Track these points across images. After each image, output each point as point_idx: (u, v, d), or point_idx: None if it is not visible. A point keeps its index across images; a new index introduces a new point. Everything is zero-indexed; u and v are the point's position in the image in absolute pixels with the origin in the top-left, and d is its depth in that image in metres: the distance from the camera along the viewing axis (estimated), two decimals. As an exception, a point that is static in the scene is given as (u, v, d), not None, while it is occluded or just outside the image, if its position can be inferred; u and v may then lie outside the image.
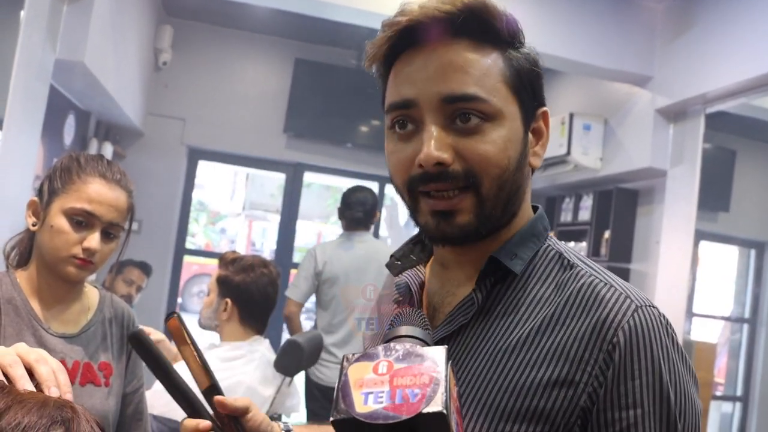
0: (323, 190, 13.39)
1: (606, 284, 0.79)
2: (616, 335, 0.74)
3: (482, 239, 0.83)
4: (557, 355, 0.76)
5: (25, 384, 0.77)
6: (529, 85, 0.83)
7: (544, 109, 0.87)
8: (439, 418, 0.63)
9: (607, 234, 4.17)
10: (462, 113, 0.78)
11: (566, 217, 4.72)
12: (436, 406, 0.63)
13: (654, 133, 3.74)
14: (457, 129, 0.79)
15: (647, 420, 0.72)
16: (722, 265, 4.83)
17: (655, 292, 3.72)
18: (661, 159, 3.73)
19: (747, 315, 4.61)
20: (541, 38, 3.54)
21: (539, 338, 0.77)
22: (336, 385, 0.68)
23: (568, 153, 4.13)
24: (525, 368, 0.77)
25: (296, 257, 5.46)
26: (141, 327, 1.64)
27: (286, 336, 4.05)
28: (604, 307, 0.76)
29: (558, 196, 4.90)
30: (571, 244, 4.57)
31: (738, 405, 4.56)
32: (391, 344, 0.70)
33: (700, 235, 3.75)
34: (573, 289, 0.79)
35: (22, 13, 2.55)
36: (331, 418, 0.65)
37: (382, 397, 0.65)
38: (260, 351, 2.14)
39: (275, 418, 2.43)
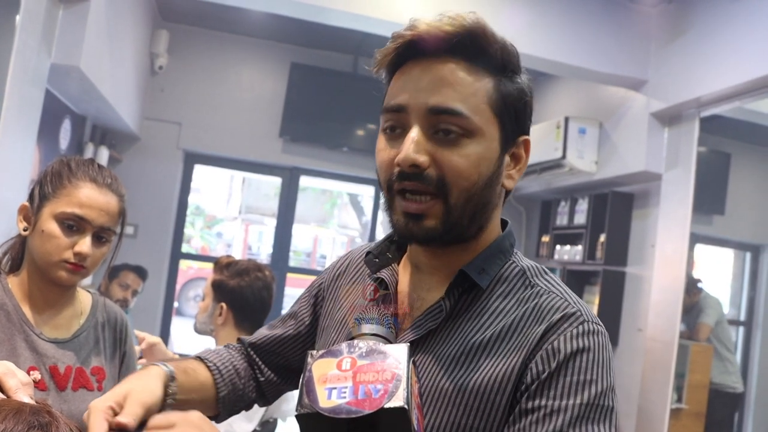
0: (319, 194, 13.40)
1: (562, 298, 0.89)
2: (557, 339, 0.83)
3: (448, 245, 0.91)
4: (510, 358, 0.84)
5: None
6: (513, 112, 0.90)
7: (527, 137, 0.93)
8: (400, 413, 0.66)
9: (602, 237, 4.17)
10: (444, 125, 0.85)
11: (562, 220, 4.73)
12: (397, 401, 0.66)
13: (649, 137, 3.75)
14: (438, 138, 0.86)
15: (568, 411, 0.80)
16: (718, 268, 4.84)
17: (651, 295, 3.73)
18: (656, 162, 3.74)
19: (743, 318, 4.62)
20: (536, 42, 3.56)
21: (498, 343, 0.86)
22: (300, 380, 0.69)
23: (564, 156, 4.14)
24: (481, 369, 0.85)
25: (292, 261, 5.46)
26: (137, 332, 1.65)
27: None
28: (556, 313, 0.86)
29: (553, 199, 4.91)
30: (567, 247, 4.58)
31: (734, 407, 4.57)
32: (355, 341, 0.72)
33: (695, 239, 3.76)
34: (531, 305, 0.88)
35: (18, 17, 2.55)
36: (295, 413, 0.67)
37: (345, 392, 0.67)
38: (255, 355, 2.13)
39: (271, 422, 2.43)
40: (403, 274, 0.99)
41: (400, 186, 0.87)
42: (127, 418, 0.80)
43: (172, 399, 0.92)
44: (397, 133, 0.89)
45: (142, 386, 0.87)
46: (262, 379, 1.15)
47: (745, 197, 4.49)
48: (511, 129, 0.90)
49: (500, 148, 0.89)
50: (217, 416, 1.09)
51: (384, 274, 0.99)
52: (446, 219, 0.87)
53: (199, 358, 1.09)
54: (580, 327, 0.85)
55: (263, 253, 12.86)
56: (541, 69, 3.93)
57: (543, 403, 0.80)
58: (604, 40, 3.69)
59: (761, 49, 3.00)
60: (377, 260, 1.00)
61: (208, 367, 1.08)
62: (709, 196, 4.15)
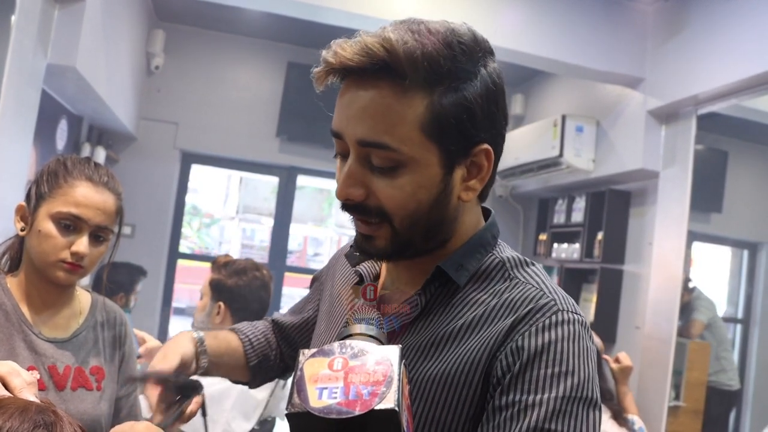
0: (316, 193, 13.39)
1: (537, 289, 0.86)
2: (528, 330, 0.81)
3: (411, 257, 0.90)
4: (477, 349, 0.82)
5: (1, 392, 0.77)
6: (455, 129, 0.83)
7: (484, 146, 0.86)
8: (391, 415, 0.66)
9: (600, 235, 4.17)
10: (374, 158, 0.83)
11: (559, 218, 4.73)
12: (388, 403, 0.66)
13: (646, 135, 3.75)
14: (373, 167, 0.84)
15: (544, 405, 0.77)
16: (715, 266, 4.85)
17: (648, 293, 3.73)
18: (654, 160, 3.75)
19: (740, 315, 4.63)
20: (533, 40, 3.56)
21: (467, 334, 0.85)
22: (291, 379, 0.70)
23: (561, 155, 4.14)
24: (447, 359, 0.84)
25: (289, 260, 5.44)
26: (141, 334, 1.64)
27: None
28: (528, 305, 0.84)
29: (551, 197, 4.91)
30: (564, 245, 4.59)
31: (732, 405, 4.57)
32: (347, 341, 0.73)
33: (692, 237, 3.76)
34: (505, 297, 0.86)
35: (13, 17, 2.54)
36: (286, 412, 0.67)
37: (336, 392, 0.67)
38: (253, 354, 2.13)
39: (269, 420, 2.43)
40: (385, 268, 1.00)
41: (345, 213, 0.89)
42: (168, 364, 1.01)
43: (204, 359, 1.08)
44: (343, 155, 0.88)
45: (175, 343, 1.06)
46: (286, 353, 1.24)
47: (742, 195, 4.50)
48: (455, 147, 0.84)
49: (442, 170, 0.84)
50: (250, 382, 1.22)
51: (363, 267, 1.00)
52: (395, 240, 0.87)
53: (232, 329, 1.20)
54: (554, 317, 0.82)
55: (261, 252, 12.85)
56: (538, 67, 3.93)
57: (517, 398, 0.78)
58: (601, 38, 3.69)
59: (758, 46, 3.01)
60: (358, 254, 0.99)
61: (239, 337, 1.18)
62: (707, 194, 4.15)
